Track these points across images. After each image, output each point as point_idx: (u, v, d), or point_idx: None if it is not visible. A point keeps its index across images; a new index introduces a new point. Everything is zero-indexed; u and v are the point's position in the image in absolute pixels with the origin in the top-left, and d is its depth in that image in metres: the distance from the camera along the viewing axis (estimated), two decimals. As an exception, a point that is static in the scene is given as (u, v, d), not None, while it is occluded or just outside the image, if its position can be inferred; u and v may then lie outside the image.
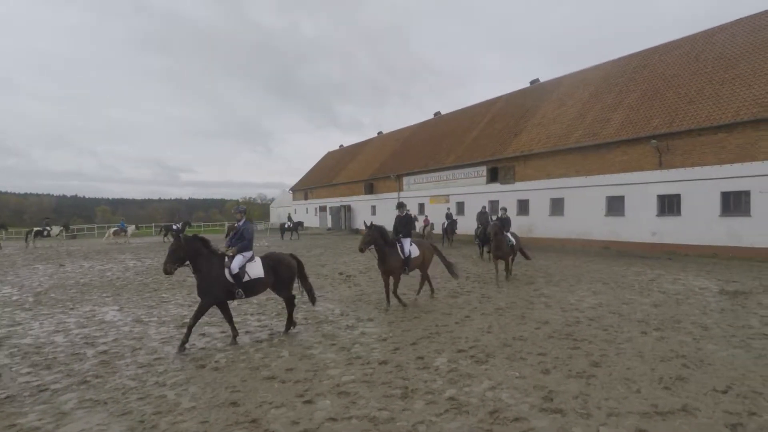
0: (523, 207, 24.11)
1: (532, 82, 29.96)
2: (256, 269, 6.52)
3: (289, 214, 44.65)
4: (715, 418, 3.85)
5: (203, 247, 6.27)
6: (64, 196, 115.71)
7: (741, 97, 16.12)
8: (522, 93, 29.67)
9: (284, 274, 6.78)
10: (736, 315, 7.43)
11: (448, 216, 23.19)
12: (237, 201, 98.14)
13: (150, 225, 56.08)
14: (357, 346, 6.24)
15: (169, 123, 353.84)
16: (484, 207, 19.74)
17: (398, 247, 8.58)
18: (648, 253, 17.71)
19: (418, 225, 26.65)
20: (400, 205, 9.31)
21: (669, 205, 17.87)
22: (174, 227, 34.26)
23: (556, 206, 22.37)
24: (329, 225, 43.38)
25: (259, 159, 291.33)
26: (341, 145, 54.63)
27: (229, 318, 6.55)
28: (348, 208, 41.33)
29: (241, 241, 6.58)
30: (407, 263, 8.60)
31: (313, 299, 7.39)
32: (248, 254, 6.58)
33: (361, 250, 8.08)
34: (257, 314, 8.27)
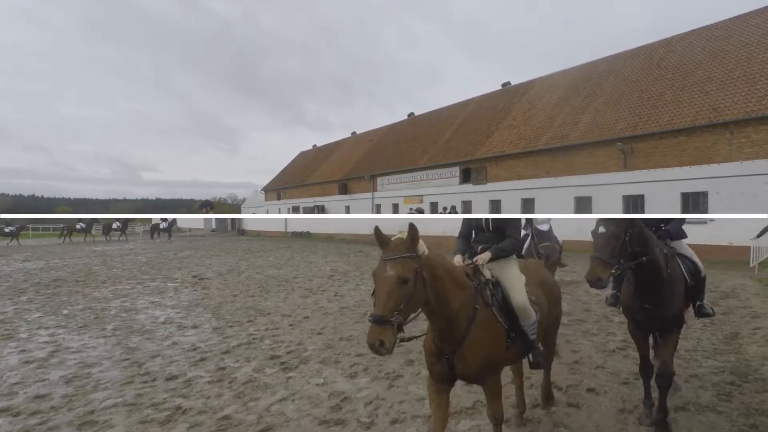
0: (496, 207, 24.55)
1: (503, 85, 30.55)
2: None
3: None
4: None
5: None
6: (21, 196, 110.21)
7: (699, 102, 16.94)
8: (493, 95, 30.22)
9: None
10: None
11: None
12: (207, 201, 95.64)
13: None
14: (158, 358, 5.41)
15: (126, 119, 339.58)
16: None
17: None
18: (614, 251, 18.34)
19: None
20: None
21: (633, 205, 18.59)
22: (162, 223, 34.69)
23: (527, 206, 22.88)
24: (302, 225, 42.96)
25: (225, 157, 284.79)
26: (314, 145, 54.10)
27: None
28: (322, 209, 41.03)
29: None
30: None
31: None
32: None
33: None
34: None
